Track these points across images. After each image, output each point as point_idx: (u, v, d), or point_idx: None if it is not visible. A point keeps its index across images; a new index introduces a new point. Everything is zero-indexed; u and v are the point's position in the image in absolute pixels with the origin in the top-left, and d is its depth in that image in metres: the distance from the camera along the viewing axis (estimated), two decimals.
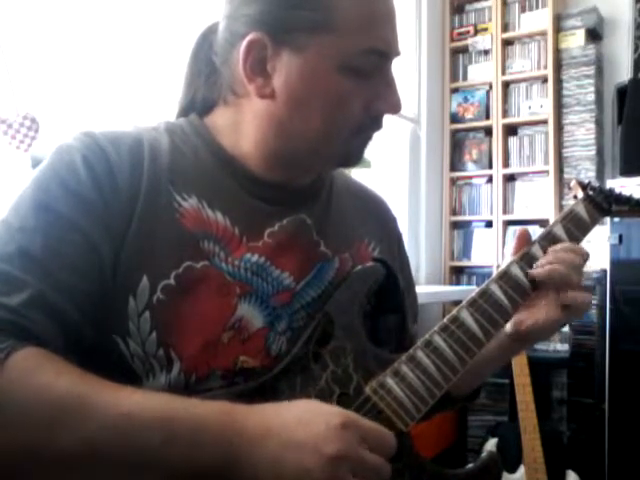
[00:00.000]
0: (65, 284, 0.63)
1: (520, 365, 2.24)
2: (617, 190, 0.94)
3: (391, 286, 0.80)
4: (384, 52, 0.72)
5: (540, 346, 2.63)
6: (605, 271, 2.42)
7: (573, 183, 0.92)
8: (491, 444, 2.37)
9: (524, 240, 0.84)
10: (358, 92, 0.71)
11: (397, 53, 0.74)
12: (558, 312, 0.79)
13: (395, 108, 0.74)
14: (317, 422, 0.58)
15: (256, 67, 0.71)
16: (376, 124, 0.76)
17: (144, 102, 1.68)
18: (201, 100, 0.80)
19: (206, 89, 0.80)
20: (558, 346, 2.64)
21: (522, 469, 2.22)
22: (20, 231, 0.64)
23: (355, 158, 0.78)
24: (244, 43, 0.70)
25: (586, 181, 0.93)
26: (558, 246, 0.81)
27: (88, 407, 0.56)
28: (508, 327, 0.82)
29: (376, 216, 0.91)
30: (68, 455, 0.55)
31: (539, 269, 0.79)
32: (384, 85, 0.73)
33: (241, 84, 0.73)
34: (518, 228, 0.91)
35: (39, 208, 0.65)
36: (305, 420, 0.58)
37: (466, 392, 0.90)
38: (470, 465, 0.79)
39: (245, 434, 0.57)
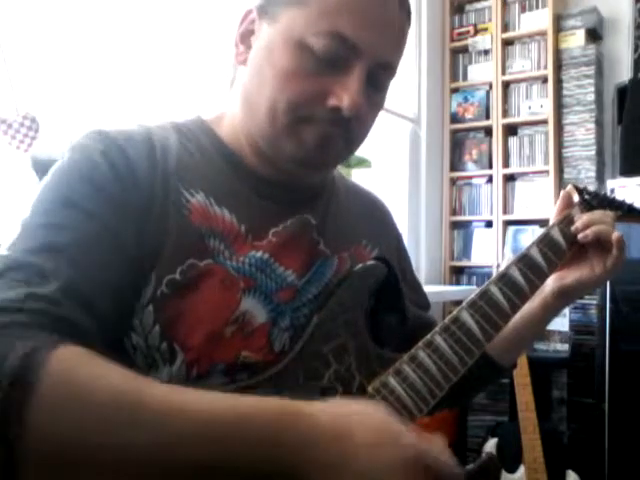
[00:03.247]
0: (94, 278, 0.61)
1: (520, 365, 2.24)
2: (612, 195, 0.97)
3: (392, 285, 0.80)
4: (350, 41, 0.67)
5: (540, 346, 2.63)
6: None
7: (569, 188, 0.94)
8: (491, 444, 2.37)
9: (568, 200, 0.92)
10: (315, 75, 0.69)
11: (377, 56, 0.70)
12: (603, 267, 0.85)
13: (348, 108, 0.68)
14: (387, 454, 0.52)
15: (244, 37, 0.75)
16: (336, 122, 0.70)
17: (145, 102, 1.68)
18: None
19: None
20: (558, 346, 2.64)
21: (522, 469, 2.22)
22: (46, 228, 0.62)
23: (313, 156, 0.72)
24: (241, 14, 0.75)
25: (582, 186, 0.95)
26: (589, 213, 0.88)
27: (135, 421, 0.50)
28: (551, 284, 0.87)
29: (375, 219, 0.91)
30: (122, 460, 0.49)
31: (586, 231, 0.85)
32: (345, 80, 0.69)
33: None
34: (565, 189, 0.97)
35: (62, 204, 0.64)
36: (375, 449, 0.52)
37: (511, 361, 0.93)
38: (469, 466, 0.79)
39: (318, 461, 0.51)
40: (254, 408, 0.53)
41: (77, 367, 0.52)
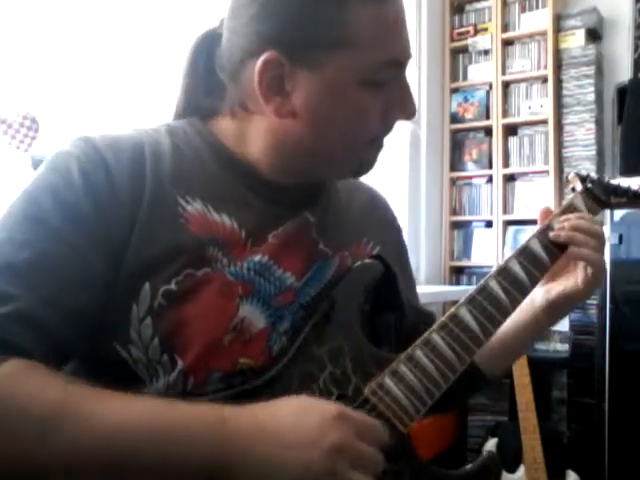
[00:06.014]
0: (52, 298, 0.61)
1: (520, 365, 2.24)
2: (615, 182, 0.93)
3: (389, 284, 0.79)
4: (400, 60, 0.72)
5: (540, 346, 2.63)
6: (605, 271, 2.41)
7: (571, 175, 0.92)
8: (491, 444, 2.37)
9: (546, 216, 0.88)
10: (376, 103, 0.71)
11: (410, 57, 0.74)
12: (585, 276, 0.82)
13: (411, 114, 0.75)
14: (311, 418, 0.58)
15: (273, 86, 0.69)
16: (388, 130, 0.77)
17: (144, 102, 1.68)
18: (201, 108, 0.79)
19: (206, 100, 0.78)
20: (558, 346, 2.64)
21: (522, 469, 2.22)
22: (7, 243, 0.63)
23: (368, 167, 0.79)
24: (259, 62, 0.67)
25: (584, 173, 0.92)
26: (572, 215, 0.84)
27: (73, 425, 0.55)
28: (540, 299, 0.84)
29: (376, 215, 0.91)
30: (54, 469, 0.55)
31: (561, 232, 0.82)
32: (400, 92, 0.73)
33: (254, 101, 0.71)
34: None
35: (29, 220, 0.64)
36: (300, 417, 0.58)
37: (496, 372, 0.90)
38: (469, 465, 0.79)
39: (238, 438, 0.57)
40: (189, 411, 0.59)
41: (20, 382, 0.56)
